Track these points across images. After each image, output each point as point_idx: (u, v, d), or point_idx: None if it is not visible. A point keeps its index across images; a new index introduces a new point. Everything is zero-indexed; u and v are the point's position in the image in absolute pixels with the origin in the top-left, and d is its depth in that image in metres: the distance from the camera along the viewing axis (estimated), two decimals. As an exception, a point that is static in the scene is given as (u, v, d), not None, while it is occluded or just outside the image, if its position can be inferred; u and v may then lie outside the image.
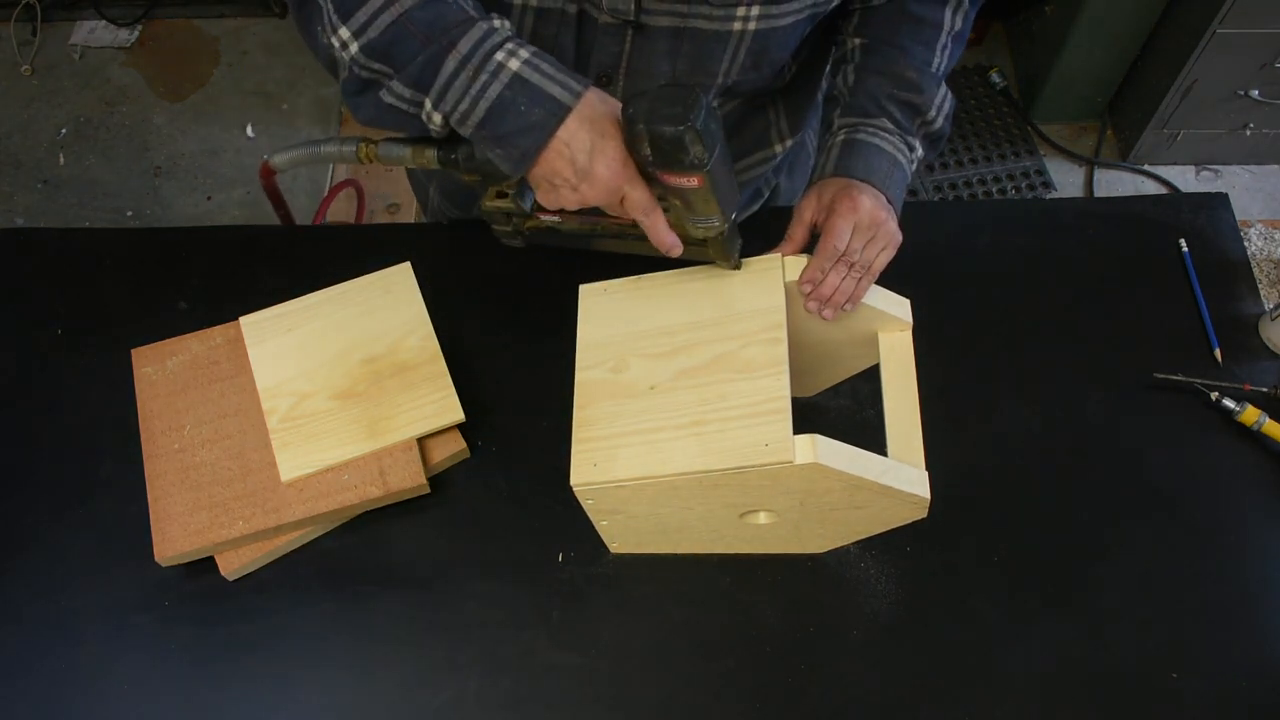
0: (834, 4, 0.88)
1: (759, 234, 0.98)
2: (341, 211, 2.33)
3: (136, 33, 2.64)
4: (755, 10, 0.83)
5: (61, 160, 2.44)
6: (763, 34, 0.86)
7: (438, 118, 0.74)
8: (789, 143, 1.09)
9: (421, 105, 0.74)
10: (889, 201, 0.87)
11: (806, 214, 0.87)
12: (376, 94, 0.77)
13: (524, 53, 0.72)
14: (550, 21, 0.86)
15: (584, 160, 0.72)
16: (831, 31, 1.01)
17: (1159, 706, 0.91)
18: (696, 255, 0.84)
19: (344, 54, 0.75)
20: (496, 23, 0.74)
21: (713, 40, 0.86)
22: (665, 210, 0.77)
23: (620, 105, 0.72)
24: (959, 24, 0.93)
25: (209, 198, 2.38)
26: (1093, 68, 2.30)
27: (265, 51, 2.60)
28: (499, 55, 0.71)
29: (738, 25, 0.85)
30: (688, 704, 0.91)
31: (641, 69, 0.89)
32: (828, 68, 1.08)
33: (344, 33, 0.74)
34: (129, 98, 2.55)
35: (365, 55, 0.74)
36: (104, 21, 2.64)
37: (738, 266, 0.84)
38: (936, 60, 0.92)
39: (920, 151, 0.92)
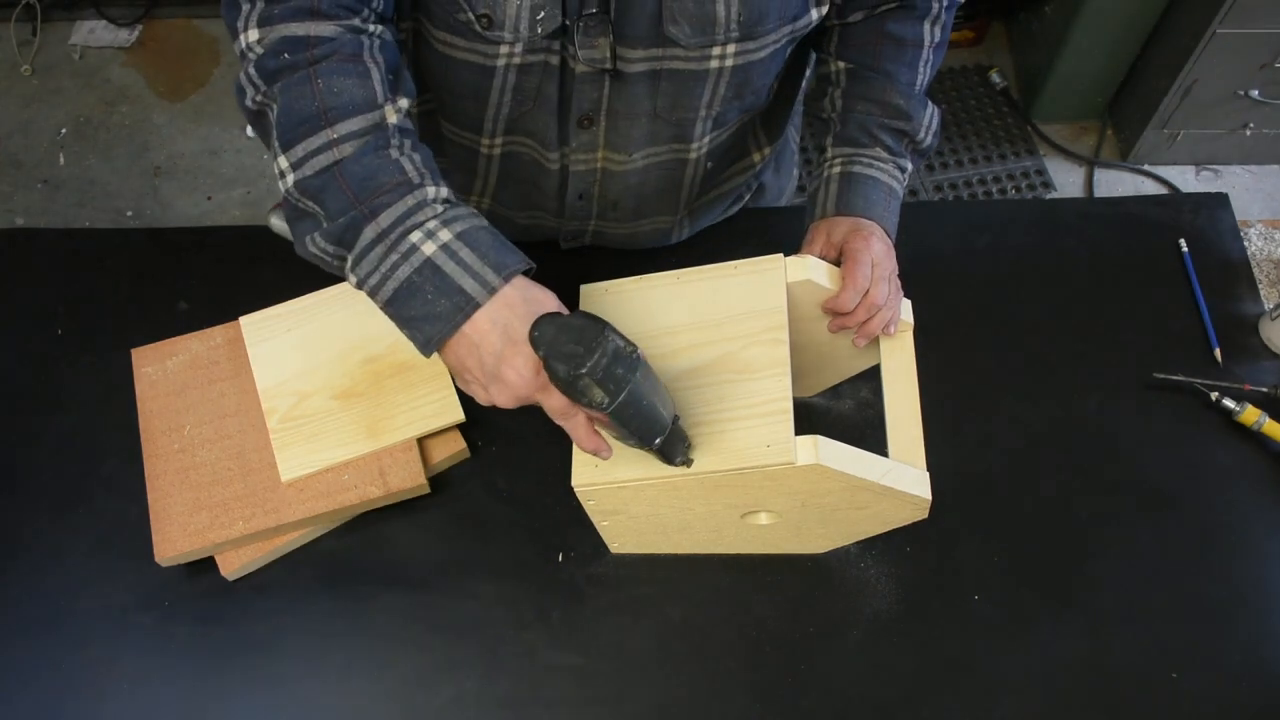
0: (812, 28, 0.88)
1: (756, 236, 0.98)
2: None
3: (136, 33, 2.64)
4: (731, 49, 0.84)
5: (61, 160, 2.44)
6: (742, 69, 0.87)
7: (353, 280, 0.71)
8: (767, 150, 1.10)
9: (344, 261, 0.71)
10: (886, 232, 0.90)
11: (816, 250, 0.90)
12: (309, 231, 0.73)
13: (445, 235, 0.69)
14: (534, 74, 0.87)
15: (492, 363, 0.69)
16: (806, 44, 1.02)
17: (1159, 706, 0.91)
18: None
19: (281, 183, 0.72)
20: (430, 191, 0.70)
21: (691, 79, 0.87)
22: None
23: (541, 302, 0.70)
24: (938, 35, 0.95)
25: (209, 198, 2.38)
26: (1093, 68, 2.30)
27: (265, 51, 2.60)
28: (415, 236, 0.68)
29: (714, 64, 0.85)
30: (688, 704, 0.91)
31: (622, 109, 0.90)
32: (805, 82, 1.08)
33: (282, 162, 0.71)
34: (129, 98, 2.54)
35: (298, 191, 0.71)
36: (104, 21, 2.64)
37: (687, 464, 0.77)
38: (920, 78, 0.94)
39: (911, 167, 0.95)
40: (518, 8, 0.79)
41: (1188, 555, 0.98)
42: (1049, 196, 2.35)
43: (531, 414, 1.04)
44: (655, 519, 0.87)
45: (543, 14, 0.80)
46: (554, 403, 0.71)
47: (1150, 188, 2.38)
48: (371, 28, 0.74)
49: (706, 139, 0.96)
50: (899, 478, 0.79)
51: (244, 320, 1.05)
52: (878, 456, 0.78)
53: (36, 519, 1.01)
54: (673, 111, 0.91)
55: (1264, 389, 1.04)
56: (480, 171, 1.03)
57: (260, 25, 0.71)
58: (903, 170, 0.94)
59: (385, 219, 0.69)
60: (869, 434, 1.02)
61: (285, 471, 0.96)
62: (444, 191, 0.72)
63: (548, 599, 0.96)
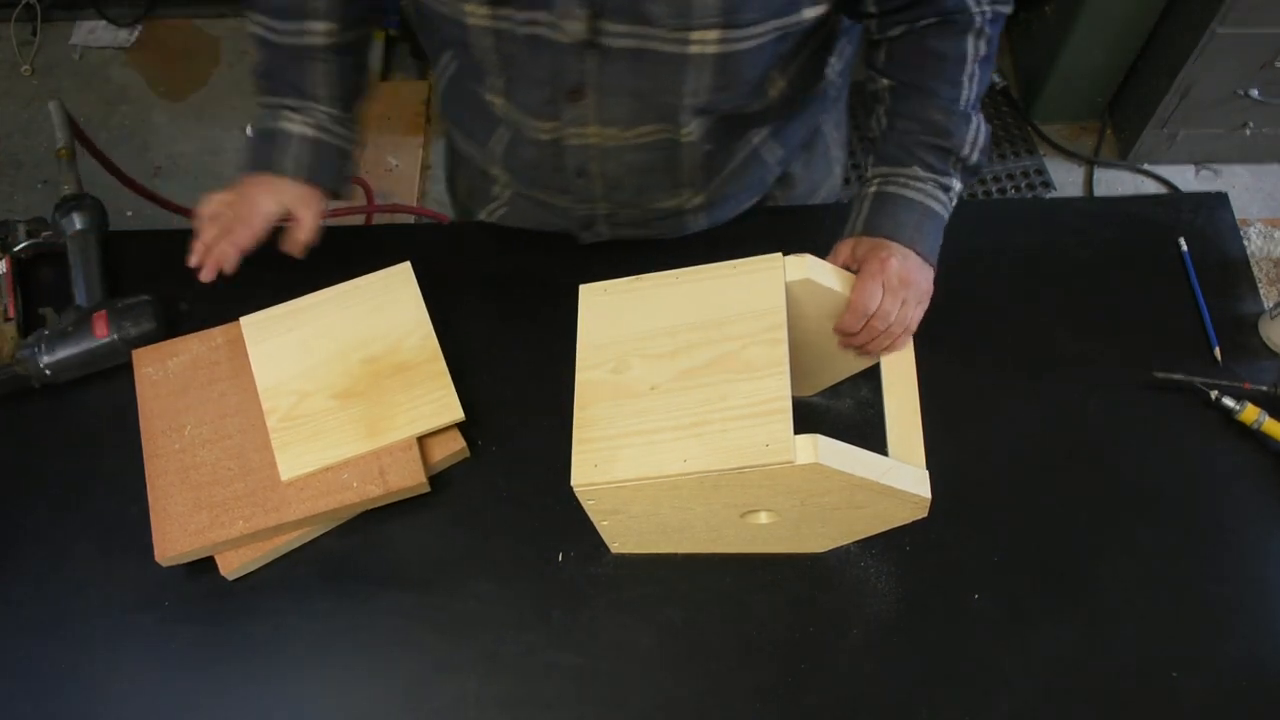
0: (805, 24, 0.87)
1: (777, 234, 0.99)
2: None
3: (136, 33, 2.64)
4: (713, 34, 0.83)
5: (61, 160, 2.44)
6: (725, 57, 0.86)
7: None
8: (780, 151, 1.08)
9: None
10: (920, 254, 0.89)
11: (839, 262, 0.90)
12: None
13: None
14: (514, 41, 0.87)
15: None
16: (825, 50, 1.01)
17: (1159, 706, 0.91)
18: None
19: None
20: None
21: (673, 62, 0.86)
22: None
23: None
24: (983, 49, 0.92)
25: (209, 198, 2.38)
26: (1093, 68, 2.30)
27: (265, 51, 2.60)
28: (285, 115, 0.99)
29: (695, 49, 0.84)
30: (688, 704, 0.91)
31: (609, 85, 0.90)
32: (833, 72, 1.07)
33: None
34: (129, 98, 2.54)
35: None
36: (104, 21, 2.64)
37: None
38: (964, 94, 0.92)
39: (958, 186, 0.93)
40: None
41: (1187, 555, 0.97)
42: (1049, 196, 2.35)
43: (531, 414, 1.05)
44: (655, 519, 0.87)
45: None
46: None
47: (1150, 187, 2.38)
48: None
49: (694, 124, 0.95)
50: (898, 476, 0.79)
51: (244, 320, 1.05)
52: (877, 455, 0.78)
53: (37, 519, 1.01)
54: (656, 94, 0.90)
55: (1264, 388, 1.04)
56: (500, 137, 1.04)
57: None
58: (945, 189, 0.92)
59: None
60: (869, 434, 1.01)
61: (285, 471, 0.97)
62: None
63: (548, 599, 0.96)
